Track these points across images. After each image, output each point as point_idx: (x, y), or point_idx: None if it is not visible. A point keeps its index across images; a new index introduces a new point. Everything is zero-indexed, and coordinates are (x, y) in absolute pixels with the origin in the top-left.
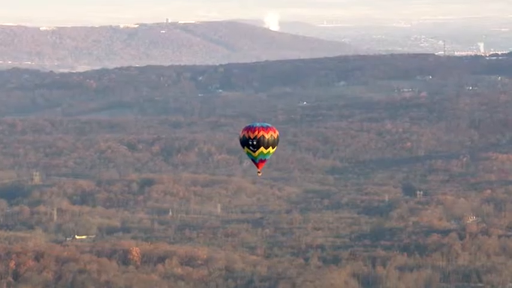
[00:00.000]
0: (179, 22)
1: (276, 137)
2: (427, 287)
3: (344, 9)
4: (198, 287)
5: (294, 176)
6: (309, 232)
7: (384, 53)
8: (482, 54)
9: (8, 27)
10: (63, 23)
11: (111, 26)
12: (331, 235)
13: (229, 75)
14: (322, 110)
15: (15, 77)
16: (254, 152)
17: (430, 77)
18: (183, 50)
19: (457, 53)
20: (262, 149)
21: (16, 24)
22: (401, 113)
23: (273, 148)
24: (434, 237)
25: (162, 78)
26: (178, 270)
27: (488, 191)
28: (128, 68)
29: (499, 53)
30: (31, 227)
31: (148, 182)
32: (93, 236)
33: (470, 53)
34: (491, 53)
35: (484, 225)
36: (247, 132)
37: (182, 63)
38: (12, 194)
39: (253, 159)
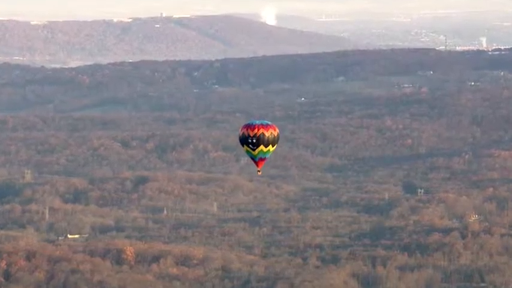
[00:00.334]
0: (174, 16)
1: (276, 135)
2: (428, 287)
3: (343, 3)
4: (194, 287)
5: (291, 173)
6: (308, 231)
7: (383, 48)
8: (485, 49)
9: None
10: (55, 17)
11: (104, 21)
12: (330, 234)
13: (225, 71)
14: (320, 106)
15: (6, 73)
16: (254, 150)
17: (431, 72)
18: (178, 45)
19: (458, 48)
20: (262, 147)
21: (6, 19)
22: (401, 109)
23: (273, 146)
24: (436, 236)
25: (156, 74)
26: (174, 270)
27: (491, 189)
28: (122, 63)
29: (502, 47)
30: (22, 226)
31: (143, 180)
32: (86, 235)
33: (472, 47)
34: (494, 47)
35: (487, 224)
36: (247, 130)
37: (177, 59)
38: (3, 192)
39: (253, 158)
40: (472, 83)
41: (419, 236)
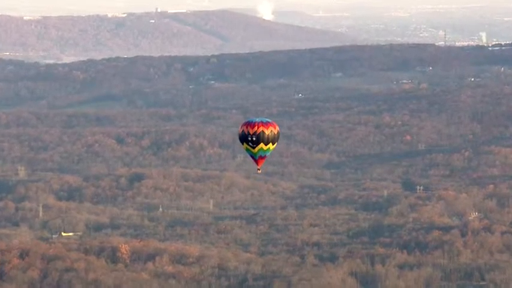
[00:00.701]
0: (169, 11)
1: (276, 133)
2: (427, 286)
3: None
4: (190, 285)
5: (289, 170)
6: (305, 229)
7: (382, 43)
8: (485, 45)
9: None
10: (49, 12)
11: (98, 16)
12: (328, 232)
13: (221, 67)
14: (318, 102)
15: None
16: (253, 148)
17: (431, 68)
18: (173, 40)
19: (458, 43)
20: (261, 145)
21: None
22: (400, 105)
23: (273, 144)
24: (435, 234)
25: (151, 70)
26: (169, 269)
27: (491, 186)
28: (116, 58)
29: (502, 43)
30: (16, 224)
31: (138, 177)
32: (81, 233)
33: (472, 43)
34: (494, 43)
35: (487, 221)
36: (247, 127)
37: (172, 54)
38: None
39: (253, 156)
40: (472, 79)
41: (418, 233)
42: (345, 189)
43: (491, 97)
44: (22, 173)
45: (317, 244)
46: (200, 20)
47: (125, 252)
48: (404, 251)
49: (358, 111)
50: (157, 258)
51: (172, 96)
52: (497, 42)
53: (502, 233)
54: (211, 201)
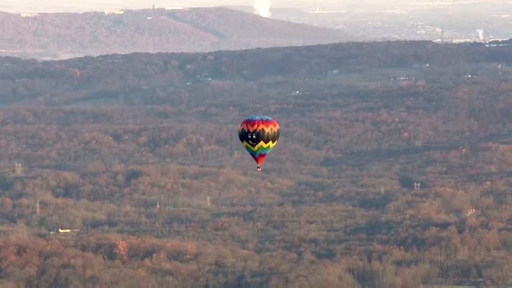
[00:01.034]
0: (166, 8)
1: (276, 131)
2: (425, 282)
3: None
4: (187, 282)
5: (286, 167)
6: (302, 225)
7: (379, 40)
8: (482, 42)
9: None
10: (46, 9)
11: (95, 13)
12: (325, 229)
13: (218, 64)
14: (315, 99)
15: None
16: (253, 146)
17: (428, 65)
18: (170, 37)
19: (455, 40)
20: (261, 143)
21: None
22: (397, 102)
23: (273, 142)
24: (433, 230)
25: (148, 67)
26: (166, 265)
27: (488, 183)
28: (113, 55)
29: (499, 40)
30: (13, 221)
31: (135, 174)
32: (78, 230)
33: (469, 40)
34: (491, 40)
35: (484, 218)
36: (246, 125)
37: (170, 51)
38: None
39: (253, 154)
40: (469, 76)
41: (415, 230)
42: (342, 186)
43: (488, 94)
44: (19, 169)
45: (314, 241)
46: (197, 17)
47: (122, 248)
48: (402, 248)
49: (355, 108)
50: (154, 254)
51: (169, 93)
52: (494, 39)
53: (499, 230)
54: (209, 198)
